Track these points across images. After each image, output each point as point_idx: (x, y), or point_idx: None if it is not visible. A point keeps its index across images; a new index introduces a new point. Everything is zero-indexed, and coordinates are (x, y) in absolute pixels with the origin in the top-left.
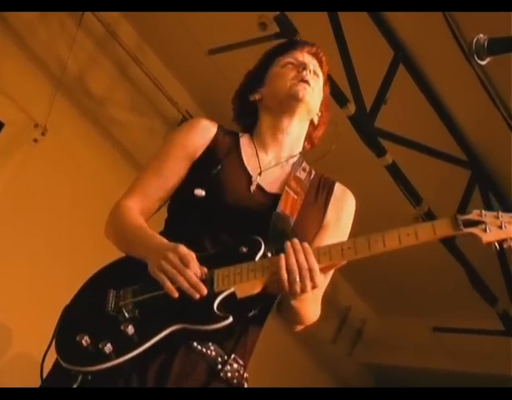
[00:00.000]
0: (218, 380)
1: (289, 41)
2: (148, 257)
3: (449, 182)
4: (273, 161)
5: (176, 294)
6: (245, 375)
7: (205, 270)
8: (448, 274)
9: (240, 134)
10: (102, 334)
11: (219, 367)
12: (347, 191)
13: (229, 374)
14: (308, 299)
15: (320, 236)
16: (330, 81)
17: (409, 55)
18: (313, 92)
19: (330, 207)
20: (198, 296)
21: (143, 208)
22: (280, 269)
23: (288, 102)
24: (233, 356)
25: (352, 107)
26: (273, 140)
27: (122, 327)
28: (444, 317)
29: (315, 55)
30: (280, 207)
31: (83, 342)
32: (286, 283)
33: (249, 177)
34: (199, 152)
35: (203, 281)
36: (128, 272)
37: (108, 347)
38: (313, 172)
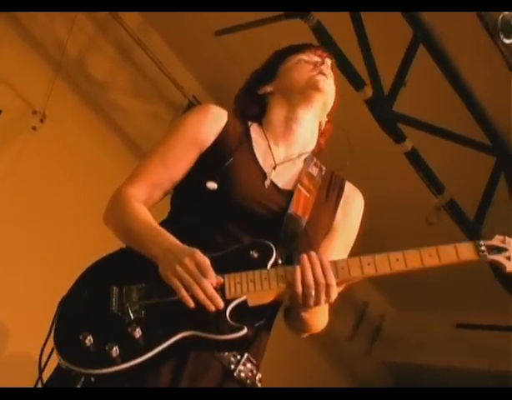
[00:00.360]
0: (232, 380)
1: (301, 44)
2: (161, 258)
3: (473, 169)
4: (285, 156)
5: (192, 304)
6: (258, 375)
7: (221, 280)
8: (472, 266)
9: (249, 123)
10: (107, 335)
11: (232, 367)
12: (356, 191)
13: (243, 374)
14: (318, 310)
15: (330, 237)
16: (346, 62)
17: (430, 34)
18: (331, 86)
19: (340, 207)
20: (213, 308)
21: (146, 198)
22: (296, 282)
23: (307, 92)
24: (246, 355)
25: (369, 91)
26: (286, 131)
27: (129, 330)
28: (468, 312)
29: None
30: (292, 208)
31: (87, 341)
32: (300, 296)
33: (263, 171)
34: (209, 142)
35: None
36: (130, 267)
37: (115, 351)
38: (324, 168)
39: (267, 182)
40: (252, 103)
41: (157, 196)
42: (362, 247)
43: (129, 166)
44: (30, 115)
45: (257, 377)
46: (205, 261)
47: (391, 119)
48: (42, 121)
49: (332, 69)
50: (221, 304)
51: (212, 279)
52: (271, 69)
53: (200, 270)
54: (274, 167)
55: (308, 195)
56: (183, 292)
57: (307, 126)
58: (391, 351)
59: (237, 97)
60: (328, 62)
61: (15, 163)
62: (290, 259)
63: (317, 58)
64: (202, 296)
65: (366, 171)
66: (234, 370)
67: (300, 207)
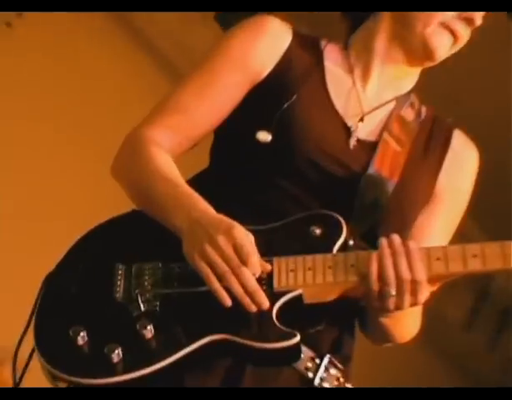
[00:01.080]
0: None
1: None
2: (186, 232)
3: None
4: (374, 99)
5: (229, 302)
6: (348, 386)
7: (269, 267)
8: None
9: (323, 43)
10: (107, 332)
11: (311, 375)
12: (469, 143)
13: (326, 384)
14: (405, 314)
15: (429, 209)
16: None
17: None
18: (452, 51)
19: (445, 166)
20: (254, 308)
21: (173, 146)
22: (370, 276)
23: (417, 52)
24: (328, 358)
25: None
26: (381, 68)
27: (137, 326)
28: None
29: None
30: (375, 166)
31: (79, 339)
32: (376, 296)
33: (344, 124)
34: (265, 72)
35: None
36: (143, 237)
37: (117, 354)
38: (424, 110)
39: (352, 141)
40: None
41: (186, 144)
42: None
43: (141, 76)
44: None
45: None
46: (246, 240)
47: None
48: (19, 15)
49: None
50: (266, 304)
51: (255, 267)
52: None
53: (240, 253)
54: (361, 119)
55: (398, 148)
56: (215, 284)
57: (407, 74)
58: None
59: None
60: (478, 21)
61: None
62: (368, 239)
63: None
64: (240, 291)
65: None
66: (314, 378)
67: (387, 164)
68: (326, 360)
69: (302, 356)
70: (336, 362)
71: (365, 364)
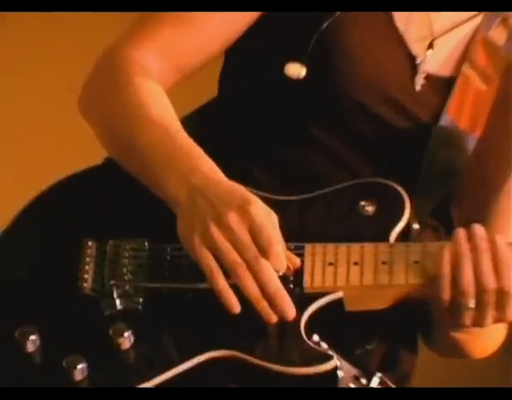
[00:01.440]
0: None
1: None
2: (182, 205)
3: None
4: (450, 14)
5: (237, 309)
6: None
7: (298, 262)
8: None
9: None
10: (68, 337)
11: None
12: None
13: None
14: (489, 329)
15: None
16: None
17: None
18: None
19: None
20: (274, 319)
21: (167, 73)
22: (441, 279)
23: None
24: (378, 377)
25: None
26: None
27: (110, 332)
28: None
29: None
30: (449, 114)
31: (29, 344)
32: (447, 306)
33: (408, 52)
34: None
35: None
36: (121, 202)
37: (81, 370)
38: None
39: (419, 78)
40: None
41: (186, 69)
42: None
43: None
44: None
45: None
46: (268, 220)
47: None
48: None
49: None
50: (291, 312)
51: (278, 260)
52: None
53: (258, 239)
54: (431, 45)
55: (483, 86)
56: (220, 282)
57: None
58: None
59: None
60: None
61: None
62: (439, 216)
63: None
64: (255, 292)
65: None
66: None
67: (466, 111)
68: (376, 380)
69: (342, 375)
70: (389, 383)
71: (428, 371)
